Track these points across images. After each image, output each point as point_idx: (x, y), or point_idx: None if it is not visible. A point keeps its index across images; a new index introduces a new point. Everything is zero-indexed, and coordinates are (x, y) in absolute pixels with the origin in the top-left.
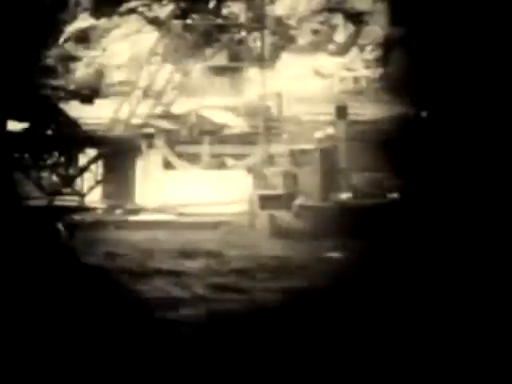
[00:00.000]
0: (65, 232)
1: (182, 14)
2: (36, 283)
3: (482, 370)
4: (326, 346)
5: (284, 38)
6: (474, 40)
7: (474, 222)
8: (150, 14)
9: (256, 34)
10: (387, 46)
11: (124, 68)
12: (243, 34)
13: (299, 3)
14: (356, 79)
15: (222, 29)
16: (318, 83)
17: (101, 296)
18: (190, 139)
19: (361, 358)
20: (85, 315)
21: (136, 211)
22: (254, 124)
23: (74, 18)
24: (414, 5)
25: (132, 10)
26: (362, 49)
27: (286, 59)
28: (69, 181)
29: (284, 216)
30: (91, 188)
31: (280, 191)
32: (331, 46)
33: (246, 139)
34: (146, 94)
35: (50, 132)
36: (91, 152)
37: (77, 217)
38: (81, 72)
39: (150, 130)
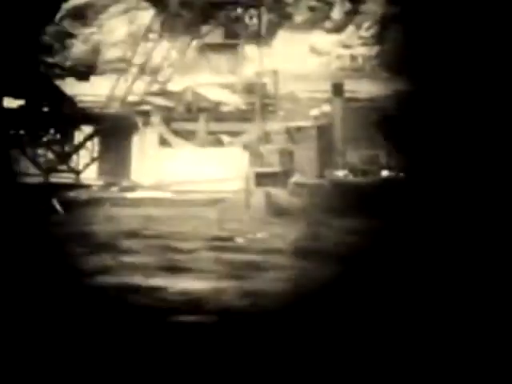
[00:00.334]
0: (60, 209)
1: None
2: (31, 261)
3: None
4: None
5: (281, 15)
6: (471, 15)
7: (472, 201)
8: None
9: (252, 11)
10: (384, 24)
11: (120, 45)
12: (239, 11)
13: None
14: (353, 57)
15: (219, 6)
16: (314, 60)
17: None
18: (186, 116)
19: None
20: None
21: (132, 188)
22: (250, 101)
23: None
24: None
25: None
26: (358, 26)
27: (283, 36)
28: (64, 158)
29: (280, 193)
30: (87, 165)
31: (276, 168)
32: (328, 24)
33: (242, 116)
34: (142, 71)
35: (45, 109)
36: (87, 129)
37: (72, 194)
38: (77, 49)
39: (146, 108)
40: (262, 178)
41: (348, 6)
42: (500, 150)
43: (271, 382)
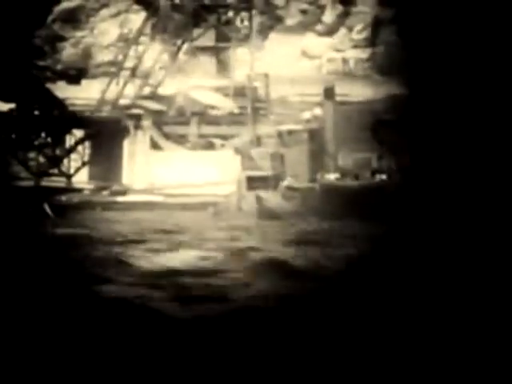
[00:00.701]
0: (51, 213)
1: None
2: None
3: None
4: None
5: (272, 18)
6: (463, 17)
7: (466, 204)
8: None
9: (244, 14)
10: (376, 26)
11: (111, 48)
12: (231, 14)
13: None
14: (344, 60)
15: (210, 9)
16: (306, 64)
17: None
18: (177, 120)
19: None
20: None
21: (123, 192)
22: (241, 105)
23: None
24: None
25: None
26: (350, 29)
27: (274, 39)
28: (56, 161)
29: (271, 197)
30: (78, 169)
31: (267, 172)
32: (319, 27)
33: (233, 120)
34: (133, 74)
35: (36, 112)
36: (78, 133)
37: (63, 198)
38: (68, 52)
39: (138, 111)
40: (253, 182)
41: (339, 8)
42: (494, 153)
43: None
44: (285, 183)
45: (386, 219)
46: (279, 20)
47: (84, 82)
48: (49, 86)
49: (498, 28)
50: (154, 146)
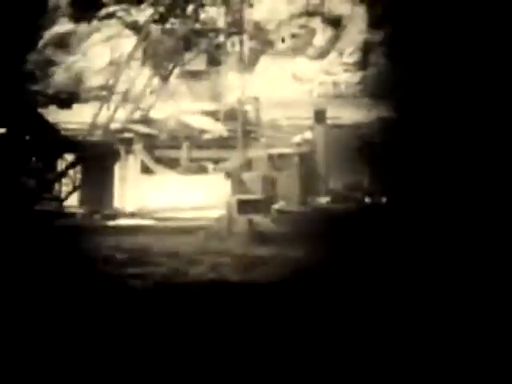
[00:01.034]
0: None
1: (161, 19)
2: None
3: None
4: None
5: (263, 42)
6: (453, 42)
7: (456, 227)
8: (129, 19)
9: (235, 39)
10: (366, 50)
11: (103, 72)
12: (221, 38)
13: (278, 7)
14: (335, 83)
15: (201, 33)
16: (296, 87)
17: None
18: (168, 144)
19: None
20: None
21: (114, 216)
22: (232, 128)
23: (52, 22)
24: (392, 9)
25: (111, 15)
26: (341, 52)
27: (265, 63)
28: (47, 186)
29: (262, 221)
30: (69, 193)
31: (258, 196)
32: (310, 50)
33: (224, 144)
34: (124, 98)
35: (28, 137)
36: (69, 157)
37: (56, 222)
38: (60, 77)
39: (129, 135)
40: (244, 206)
41: (330, 32)
42: (483, 176)
43: None
44: (276, 207)
45: (378, 242)
46: (270, 44)
47: (75, 106)
48: (41, 110)
49: (487, 52)
50: (145, 169)
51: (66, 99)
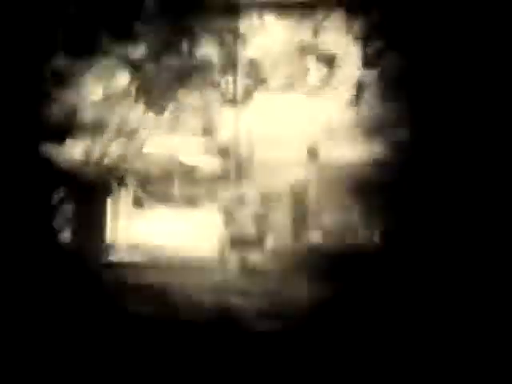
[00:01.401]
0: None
1: (155, 56)
2: None
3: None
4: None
5: (257, 79)
6: (448, 77)
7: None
8: (124, 55)
9: (228, 76)
10: (360, 88)
11: (96, 108)
12: (216, 75)
13: (272, 45)
14: (329, 121)
15: (196, 70)
16: (290, 125)
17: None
18: (161, 179)
19: None
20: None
21: (106, 252)
22: (225, 165)
23: (48, 57)
24: (387, 47)
25: (106, 51)
26: (334, 91)
27: (259, 101)
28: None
29: (255, 258)
30: (62, 228)
31: (251, 233)
32: (304, 88)
33: (216, 180)
34: (118, 134)
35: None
36: (61, 192)
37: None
38: (54, 111)
39: (122, 171)
40: (236, 243)
41: (324, 70)
42: (484, 209)
43: None
44: (268, 244)
45: (371, 281)
46: (264, 81)
47: (68, 141)
48: (34, 145)
49: (481, 86)
50: (138, 204)
51: (59, 134)
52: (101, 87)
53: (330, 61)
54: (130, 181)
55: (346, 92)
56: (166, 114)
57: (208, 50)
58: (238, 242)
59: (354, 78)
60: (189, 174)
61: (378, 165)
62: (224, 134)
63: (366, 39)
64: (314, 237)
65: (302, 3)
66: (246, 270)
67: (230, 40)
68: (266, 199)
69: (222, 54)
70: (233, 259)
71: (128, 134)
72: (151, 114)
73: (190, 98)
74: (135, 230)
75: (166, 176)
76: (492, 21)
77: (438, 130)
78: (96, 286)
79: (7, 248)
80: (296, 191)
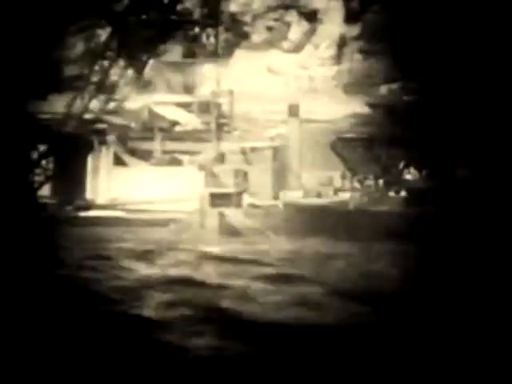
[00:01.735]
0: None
1: (137, 10)
2: None
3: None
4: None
5: (238, 34)
6: (429, 36)
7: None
8: (105, 9)
9: (210, 31)
10: (342, 44)
11: (78, 62)
12: (197, 30)
13: (254, 0)
14: (310, 77)
15: (176, 25)
16: (271, 81)
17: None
18: (142, 135)
19: None
20: None
21: (86, 207)
22: (205, 121)
23: None
24: (368, 3)
25: (88, 6)
26: (316, 47)
27: (240, 56)
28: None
29: (234, 214)
30: (41, 183)
31: (230, 189)
32: (285, 44)
33: (197, 136)
34: (99, 89)
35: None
36: (42, 147)
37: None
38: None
39: (103, 126)
40: (216, 199)
41: (305, 26)
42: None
43: None
44: (248, 201)
45: (348, 237)
46: (245, 36)
47: (50, 96)
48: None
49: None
50: (118, 161)
51: (42, 89)
52: (82, 42)
53: (311, 16)
54: (111, 137)
55: (328, 48)
56: (147, 69)
57: (189, 4)
58: (217, 199)
59: (336, 34)
60: (170, 130)
61: (360, 121)
62: (205, 90)
63: None
64: (294, 193)
65: None
66: (225, 225)
67: None
68: (247, 156)
69: (204, 8)
70: (212, 215)
71: (109, 89)
72: (132, 70)
73: (171, 54)
74: (115, 187)
75: (147, 132)
76: None
77: (421, 85)
78: (73, 242)
79: None
80: (276, 148)
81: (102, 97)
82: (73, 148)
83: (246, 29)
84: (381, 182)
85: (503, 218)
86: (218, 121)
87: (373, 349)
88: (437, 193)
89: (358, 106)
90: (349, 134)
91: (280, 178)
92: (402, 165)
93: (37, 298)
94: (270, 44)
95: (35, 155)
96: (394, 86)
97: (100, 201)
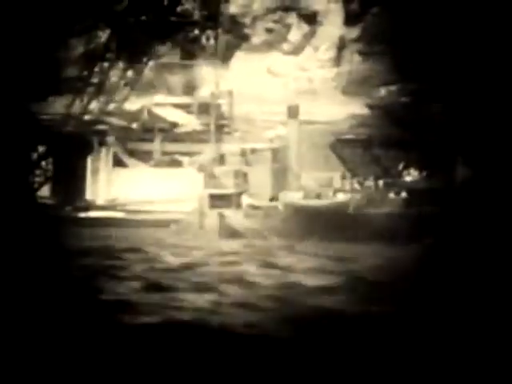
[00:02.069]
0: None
1: (137, 11)
2: None
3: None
4: None
5: (238, 36)
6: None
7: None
8: (106, 10)
9: (210, 33)
10: (341, 47)
11: (78, 64)
12: (196, 31)
13: (253, 1)
14: (310, 79)
15: (176, 26)
16: (271, 82)
17: None
18: (141, 137)
19: None
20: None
21: (85, 208)
22: (205, 122)
23: None
24: (368, 5)
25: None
26: (316, 49)
27: (240, 58)
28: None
29: (233, 215)
30: (41, 184)
31: (230, 190)
32: (285, 46)
33: (197, 137)
34: (98, 90)
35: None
36: (42, 148)
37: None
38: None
39: (102, 127)
40: (215, 200)
41: (305, 28)
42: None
43: None
44: (247, 202)
45: (347, 238)
46: (245, 38)
47: (50, 97)
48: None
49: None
50: (118, 162)
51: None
52: (82, 44)
53: (311, 18)
54: (111, 138)
55: (328, 50)
56: (147, 70)
57: (189, 6)
58: (217, 200)
59: (336, 36)
60: (169, 131)
61: (359, 122)
62: (204, 92)
63: None
64: (294, 194)
65: None
66: (224, 226)
67: None
68: (246, 157)
69: (204, 10)
70: (212, 216)
71: (109, 90)
72: (132, 71)
73: (170, 55)
74: (115, 188)
75: (147, 133)
76: None
77: (420, 86)
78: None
79: None
80: (276, 149)
81: (102, 98)
82: (73, 149)
83: (246, 31)
84: (381, 183)
85: (503, 218)
86: (218, 122)
87: (373, 349)
88: (437, 193)
89: (357, 108)
90: (348, 135)
91: (279, 178)
92: (401, 166)
93: (37, 298)
94: (269, 46)
95: (35, 156)
96: (393, 87)
97: (100, 201)
